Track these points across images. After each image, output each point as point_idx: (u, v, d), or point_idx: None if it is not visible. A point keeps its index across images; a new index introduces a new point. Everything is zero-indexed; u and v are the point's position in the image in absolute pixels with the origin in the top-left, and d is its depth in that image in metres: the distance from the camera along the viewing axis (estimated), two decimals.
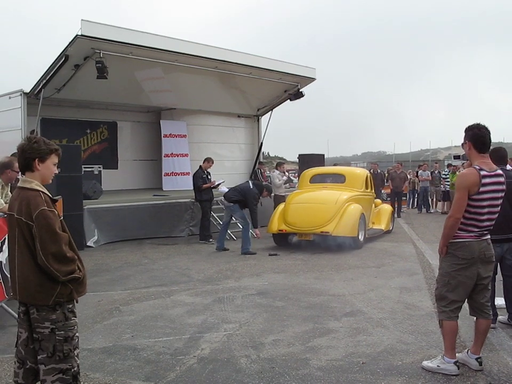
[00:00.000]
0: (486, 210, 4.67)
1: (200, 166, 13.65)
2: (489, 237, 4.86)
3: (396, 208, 19.63)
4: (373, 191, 14.36)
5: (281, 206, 12.81)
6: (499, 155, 6.24)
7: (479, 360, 4.88)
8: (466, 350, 5.06)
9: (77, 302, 3.71)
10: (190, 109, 18.70)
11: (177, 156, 18.27)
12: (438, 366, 4.82)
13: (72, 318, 3.65)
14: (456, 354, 4.91)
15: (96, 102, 16.87)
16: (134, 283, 8.75)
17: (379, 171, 21.84)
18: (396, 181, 20.42)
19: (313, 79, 18.51)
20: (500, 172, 4.79)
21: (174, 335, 5.94)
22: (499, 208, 4.80)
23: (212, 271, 9.70)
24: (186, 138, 18.47)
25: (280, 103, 19.84)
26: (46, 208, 3.47)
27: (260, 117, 21.16)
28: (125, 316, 6.76)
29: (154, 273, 9.57)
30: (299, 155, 20.05)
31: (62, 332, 3.56)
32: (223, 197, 12.27)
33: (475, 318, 5.03)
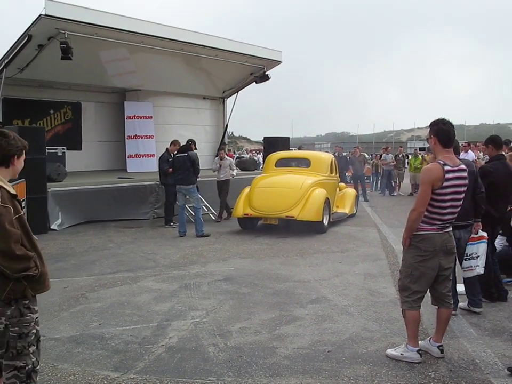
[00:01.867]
0: (448, 204, 4.79)
1: (167, 149, 13.53)
2: (451, 229, 4.99)
3: (362, 192, 19.85)
4: (338, 175, 14.50)
5: (246, 190, 12.84)
6: (454, 147, 6.42)
7: (440, 348, 5.03)
8: (428, 338, 5.20)
9: (32, 296, 3.58)
10: (155, 90, 18.61)
11: (142, 138, 18.19)
12: (401, 354, 4.95)
13: (28, 315, 3.55)
14: (419, 342, 5.05)
15: (59, 82, 16.67)
16: (100, 268, 8.71)
17: (344, 154, 22.05)
18: (356, 165, 20.60)
19: (279, 62, 18.58)
20: (463, 166, 4.90)
21: (141, 323, 5.96)
22: (461, 202, 4.93)
23: (177, 256, 9.72)
24: (152, 119, 18.35)
25: (246, 86, 19.88)
26: None
27: (225, 99, 21.14)
28: (92, 303, 6.75)
29: (120, 258, 9.54)
30: (264, 137, 20.11)
31: (16, 328, 3.50)
32: (180, 185, 12.12)
33: (437, 307, 5.17)
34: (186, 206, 12.62)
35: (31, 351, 3.56)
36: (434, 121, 4.94)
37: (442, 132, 4.85)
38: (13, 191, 3.56)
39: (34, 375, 3.58)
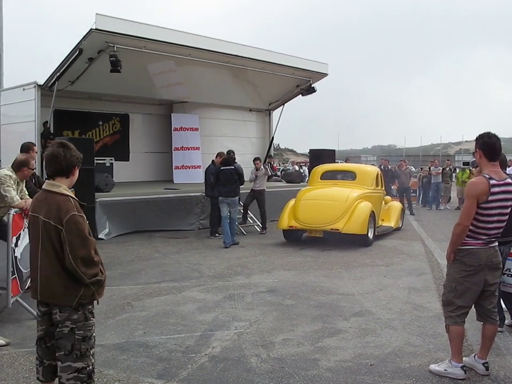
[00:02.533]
0: (495, 218, 4.75)
1: (213, 161, 13.66)
2: (496, 244, 4.93)
3: (407, 205, 19.70)
4: (383, 188, 14.40)
5: (291, 202, 12.85)
6: (501, 160, 6.37)
7: (486, 365, 4.95)
8: (473, 355, 5.12)
9: (97, 303, 3.81)
10: (202, 102, 18.78)
11: (188, 149, 18.37)
12: (445, 369, 4.89)
13: (91, 319, 3.76)
14: (463, 358, 4.99)
15: (108, 95, 17.03)
16: (146, 278, 8.86)
17: (389, 167, 21.89)
18: (401, 178, 20.44)
19: (325, 75, 18.59)
20: (509, 180, 4.85)
21: (185, 332, 6.04)
22: (507, 216, 4.86)
23: (222, 266, 9.80)
24: (198, 131, 18.55)
25: (292, 98, 19.93)
26: (76, 213, 3.60)
27: (271, 111, 21.24)
28: (137, 312, 6.87)
29: (165, 268, 9.67)
30: (310, 150, 20.11)
31: (81, 332, 3.67)
32: (226, 197, 12.35)
33: (482, 323, 5.10)
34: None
35: (91, 353, 3.75)
36: (479, 134, 4.92)
37: (487, 145, 4.82)
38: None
39: (93, 375, 3.79)
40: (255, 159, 15.14)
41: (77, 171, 3.85)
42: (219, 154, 13.49)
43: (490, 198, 4.66)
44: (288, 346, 5.64)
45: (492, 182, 4.68)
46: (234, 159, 12.89)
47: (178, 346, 5.57)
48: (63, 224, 3.55)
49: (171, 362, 5.14)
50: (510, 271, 6.03)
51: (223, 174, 12.43)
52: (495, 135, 4.87)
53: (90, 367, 3.73)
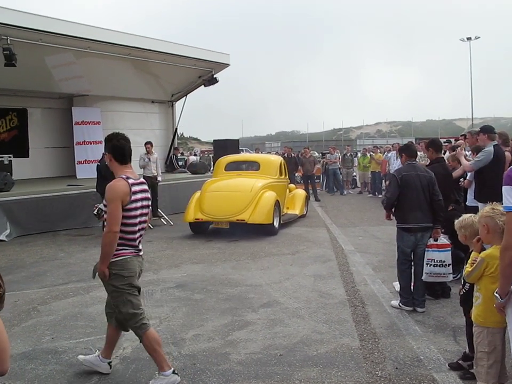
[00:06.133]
0: (137, 220, 4.62)
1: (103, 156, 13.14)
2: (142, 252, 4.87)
3: (312, 192, 20.19)
4: (287, 177, 14.70)
5: (197, 194, 12.90)
6: (412, 149, 6.84)
7: (110, 364, 4.97)
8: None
9: None
10: (103, 95, 18.46)
11: (90, 144, 18.01)
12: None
13: None
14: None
15: (3, 89, 16.35)
16: (51, 279, 8.65)
17: (293, 155, 22.30)
18: (306, 165, 20.87)
19: (227, 65, 18.72)
20: (143, 179, 4.83)
21: (95, 335, 5.98)
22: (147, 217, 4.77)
23: None
24: (101, 125, 18.20)
25: (195, 89, 19.97)
26: None
27: (174, 102, 21.16)
28: (44, 317, 6.72)
29: (71, 268, 9.48)
30: (214, 140, 20.24)
31: None
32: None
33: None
34: None
35: None
36: (108, 136, 4.74)
37: (117, 148, 4.63)
38: None
39: None
40: (146, 143, 14.65)
41: None
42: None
43: (133, 198, 4.50)
44: (199, 342, 5.71)
45: (131, 181, 4.52)
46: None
47: (89, 350, 5.50)
48: None
49: (82, 367, 5.06)
50: (434, 261, 6.41)
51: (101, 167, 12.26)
52: (124, 136, 4.71)
53: None
